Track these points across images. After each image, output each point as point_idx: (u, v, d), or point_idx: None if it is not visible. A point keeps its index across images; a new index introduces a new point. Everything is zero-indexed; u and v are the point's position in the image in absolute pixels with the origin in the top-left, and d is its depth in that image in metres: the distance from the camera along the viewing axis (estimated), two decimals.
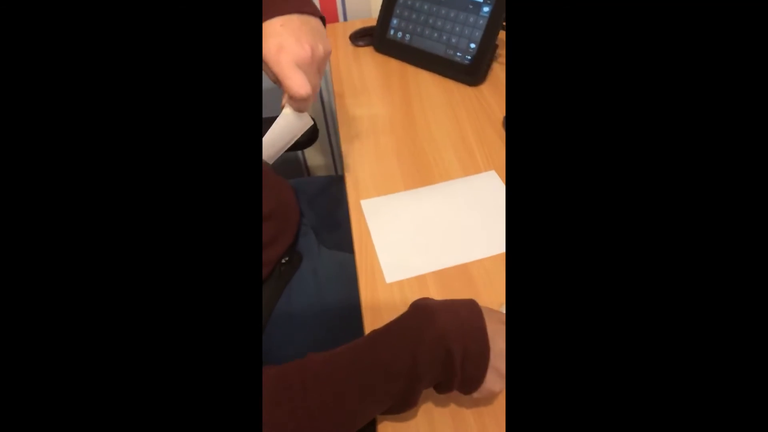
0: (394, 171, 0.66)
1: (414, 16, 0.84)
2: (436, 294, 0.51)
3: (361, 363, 0.37)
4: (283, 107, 0.48)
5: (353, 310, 0.52)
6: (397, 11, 0.86)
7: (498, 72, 0.83)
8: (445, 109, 0.77)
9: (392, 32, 0.88)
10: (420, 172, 0.66)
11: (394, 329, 0.38)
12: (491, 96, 0.79)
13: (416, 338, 0.36)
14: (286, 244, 0.62)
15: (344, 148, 0.71)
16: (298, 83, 0.42)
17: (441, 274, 0.53)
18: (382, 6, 0.88)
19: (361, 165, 0.68)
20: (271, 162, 0.51)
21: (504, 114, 0.73)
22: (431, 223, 0.58)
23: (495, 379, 0.38)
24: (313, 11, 0.47)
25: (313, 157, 1.28)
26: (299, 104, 0.46)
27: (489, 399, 0.42)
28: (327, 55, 0.47)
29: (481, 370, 0.37)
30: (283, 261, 0.61)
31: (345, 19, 1.04)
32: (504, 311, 0.43)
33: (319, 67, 0.46)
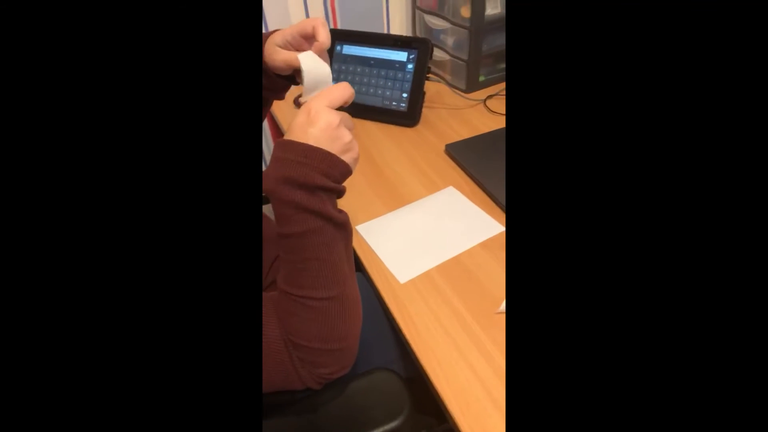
0: (373, 200, 0.79)
1: (349, 77, 1.01)
2: (444, 282, 0.63)
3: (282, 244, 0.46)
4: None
5: (376, 310, 0.64)
6: (334, 75, 1.02)
7: (427, 114, 1.01)
8: (395, 147, 0.92)
9: None
10: (394, 197, 0.79)
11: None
12: (428, 133, 0.96)
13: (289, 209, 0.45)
14: None
15: None
16: (326, 33, 0.54)
17: (441, 268, 0.65)
18: None
19: (343, 201, 0.79)
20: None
21: (444, 143, 0.90)
22: (419, 231, 0.71)
23: (352, 159, 0.49)
24: None
25: None
26: (322, 53, 0.56)
27: None
28: None
29: (344, 171, 0.48)
30: None
31: None
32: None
33: None
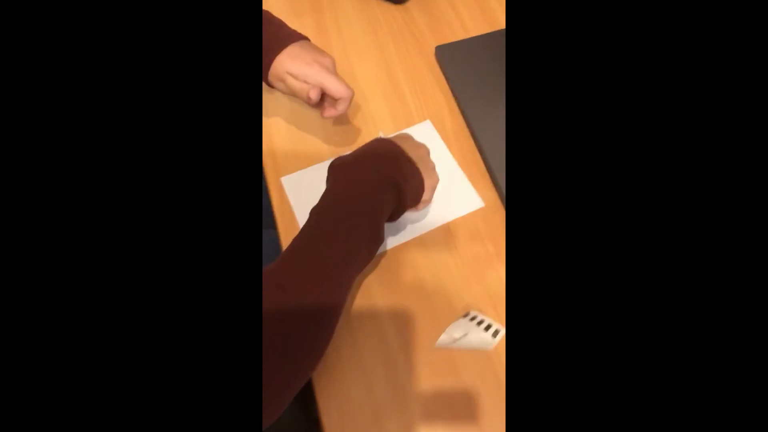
0: (317, 134, 0.57)
1: None
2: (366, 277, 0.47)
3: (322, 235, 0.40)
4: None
5: None
6: None
7: None
8: (367, 37, 0.66)
9: None
10: (346, 132, 0.57)
11: (343, 197, 0.42)
12: (420, 16, 0.68)
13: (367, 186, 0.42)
14: None
15: None
16: (341, 87, 0.49)
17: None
18: None
19: (277, 132, 0.58)
20: None
21: (436, 42, 0.63)
22: None
23: (431, 186, 0.46)
24: (306, 38, 0.54)
25: None
26: (343, 104, 0.50)
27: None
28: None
29: (419, 179, 0.45)
30: None
31: None
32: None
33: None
